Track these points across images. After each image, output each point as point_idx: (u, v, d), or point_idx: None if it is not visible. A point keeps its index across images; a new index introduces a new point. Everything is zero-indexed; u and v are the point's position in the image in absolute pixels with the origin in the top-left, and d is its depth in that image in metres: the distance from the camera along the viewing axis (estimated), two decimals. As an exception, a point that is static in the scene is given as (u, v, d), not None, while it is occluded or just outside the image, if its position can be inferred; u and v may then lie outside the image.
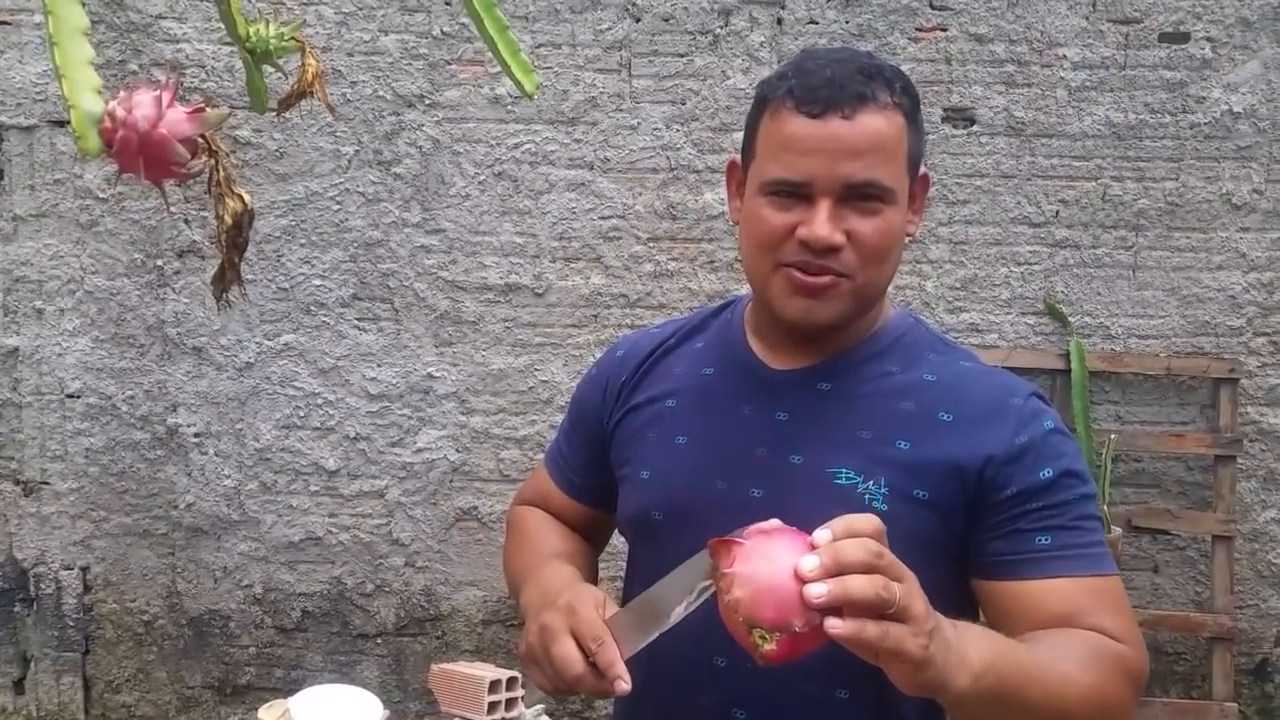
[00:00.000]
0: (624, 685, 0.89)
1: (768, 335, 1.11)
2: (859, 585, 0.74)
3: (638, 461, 1.14)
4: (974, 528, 1.01)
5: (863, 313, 1.06)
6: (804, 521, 0.86)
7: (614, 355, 1.23)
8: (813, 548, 0.77)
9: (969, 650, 0.83)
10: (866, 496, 1.00)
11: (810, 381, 1.07)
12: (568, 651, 0.92)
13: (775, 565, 0.75)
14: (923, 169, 1.06)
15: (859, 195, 0.99)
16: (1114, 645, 0.96)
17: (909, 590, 0.77)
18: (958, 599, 1.03)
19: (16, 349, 2.86)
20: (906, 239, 1.06)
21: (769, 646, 0.75)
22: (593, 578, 1.23)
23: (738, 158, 1.11)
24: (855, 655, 0.79)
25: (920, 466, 1.00)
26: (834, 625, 0.74)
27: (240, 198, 0.77)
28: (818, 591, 0.74)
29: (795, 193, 0.99)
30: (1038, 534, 0.99)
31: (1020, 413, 1.02)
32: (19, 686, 2.97)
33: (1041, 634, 0.96)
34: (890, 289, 1.13)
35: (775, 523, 0.81)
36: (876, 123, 0.98)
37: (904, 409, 1.04)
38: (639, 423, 1.15)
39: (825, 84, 0.98)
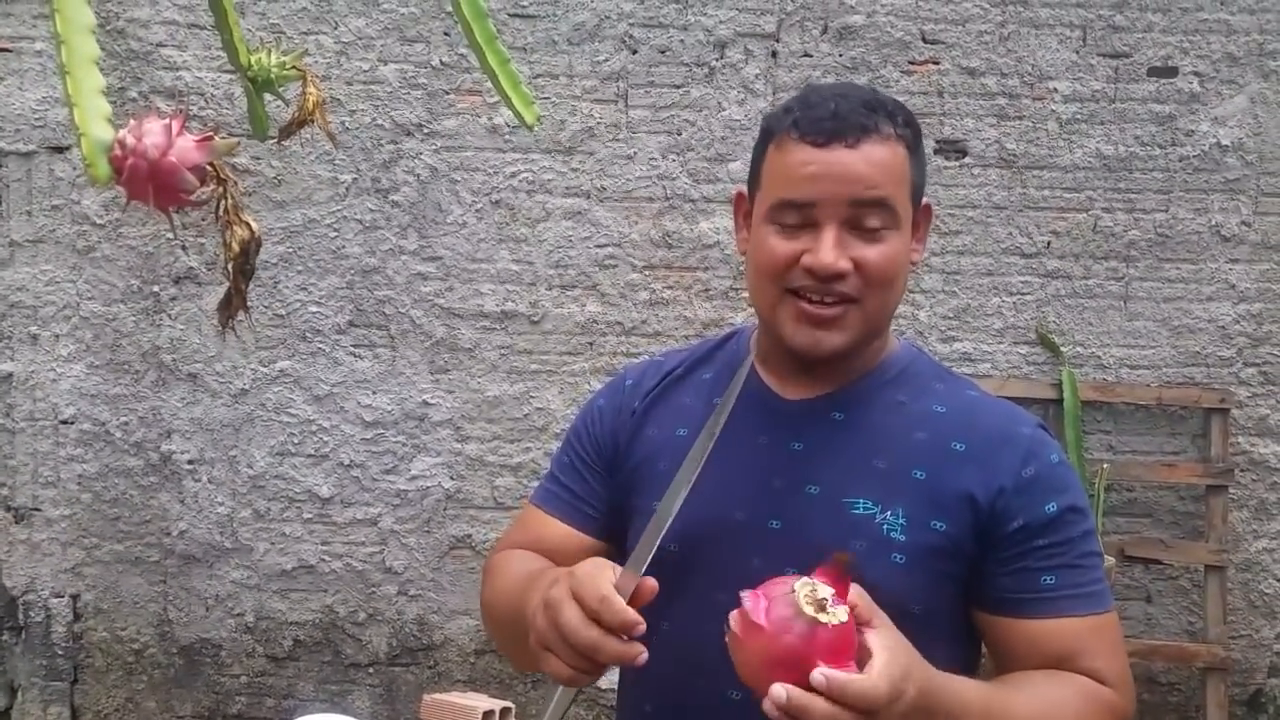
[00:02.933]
0: (639, 627, 0.86)
1: (777, 365, 1.11)
2: None
3: (649, 493, 1.09)
4: (983, 560, 1.02)
5: (870, 340, 1.07)
6: (823, 551, 0.87)
7: (622, 384, 1.21)
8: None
9: None
10: (885, 527, 1.00)
11: (824, 411, 1.07)
12: (573, 615, 0.86)
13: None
14: (925, 200, 1.09)
15: (864, 219, 1.00)
16: (1104, 693, 0.99)
17: None
18: (964, 627, 1.05)
19: (10, 374, 2.85)
20: (911, 267, 1.07)
21: None
22: None
23: (744, 188, 1.13)
24: None
25: (937, 497, 1.01)
26: None
27: (248, 225, 0.78)
28: None
29: (801, 220, 1.01)
30: (1044, 574, 1.01)
31: (1029, 444, 1.03)
32: (5, 716, 2.94)
33: (1035, 679, 0.99)
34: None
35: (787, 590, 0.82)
36: (880, 151, 1.00)
37: (918, 439, 1.04)
38: (648, 452, 1.13)
39: (830, 116, 1.00)
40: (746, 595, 0.83)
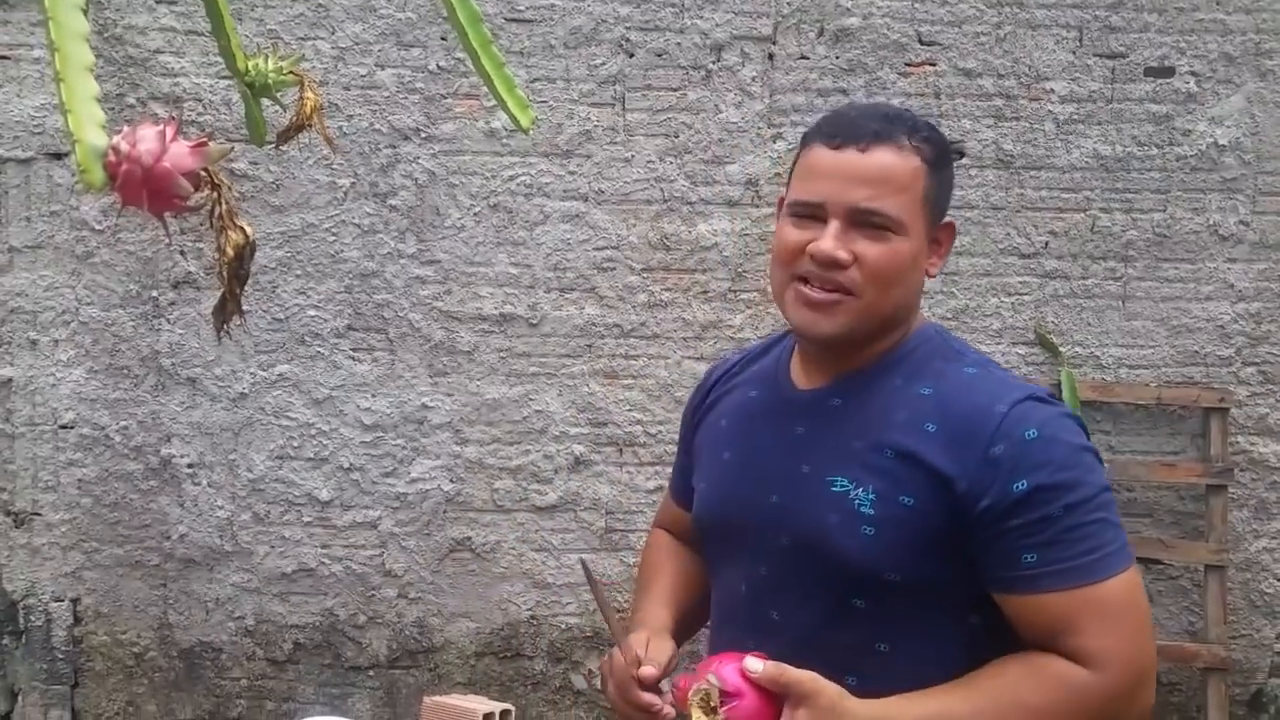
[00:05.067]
0: (653, 707, 1.12)
1: (801, 356, 1.23)
2: None
3: (699, 474, 1.31)
4: (966, 541, 1.07)
5: (876, 333, 1.14)
6: (811, 523, 1.10)
7: (701, 383, 1.39)
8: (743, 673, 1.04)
9: None
10: (856, 502, 1.09)
11: (825, 399, 1.17)
12: (611, 692, 1.18)
13: None
14: (949, 218, 1.16)
15: (866, 219, 1.09)
16: (1072, 679, 1.02)
17: None
18: (968, 596, 1.09)
19: (10, 379, 2.86)
20: (926, 277, 1.15)
21: None
22: (698, 591, 1.37)
23: (785, 192, 1.23)
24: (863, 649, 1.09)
25: (904, 474, 1.08)
26: None
27: (242, 230, 0.78)
28: None
29: (812, 214, 1.11)
30: (1024, 552, 1.04)
31: (1001, 422, 1.05)
32: (7, 720, 2.94)
33: (997, 672, 1.05)
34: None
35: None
36: (888, 158, 1.09)
37: (897, 419, 1.11)
38: (703, 440, 1.31)
39: (848, 123, 1.11)
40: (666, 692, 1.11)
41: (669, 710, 1.09)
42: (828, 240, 1.08)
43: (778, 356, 1.28)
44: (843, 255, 1.08)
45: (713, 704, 0.99)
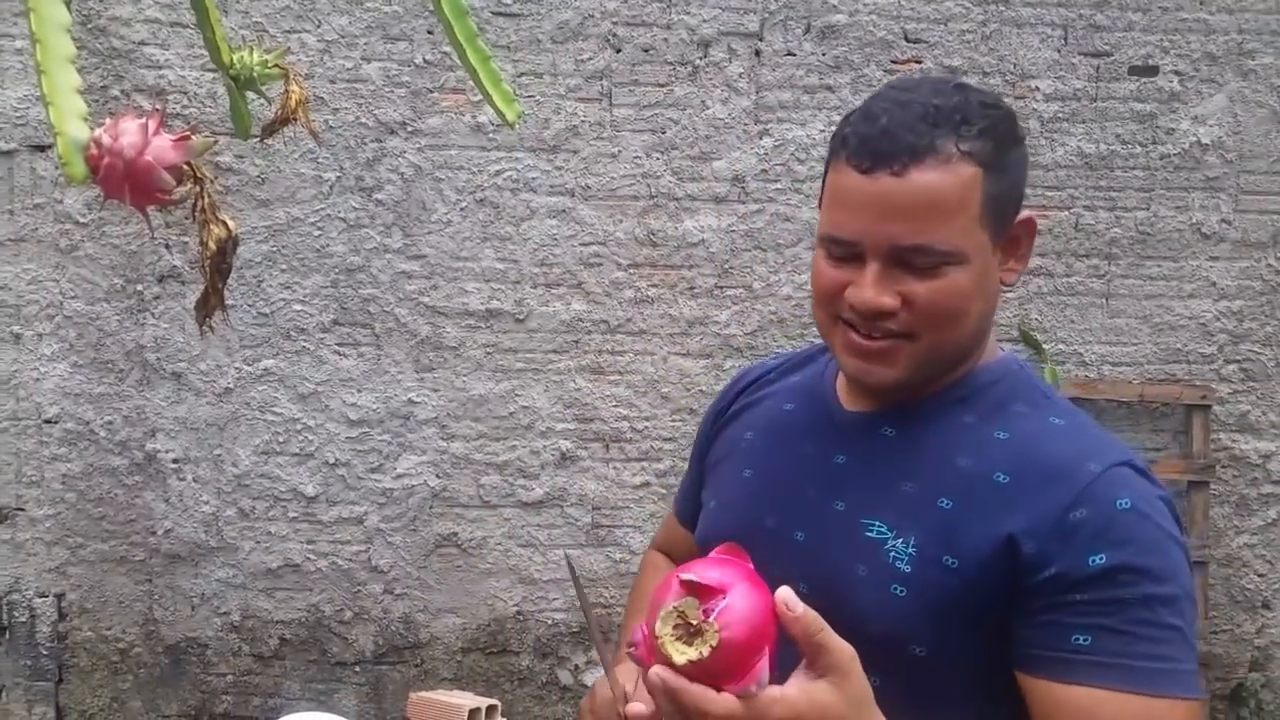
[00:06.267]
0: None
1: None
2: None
3: (711, 490, 1.13)
4: (1012, 610, 0.87)
5: (939, 370, 0.97)
6: (835, 571, 0.89)
7: (728, 387, 1.21)
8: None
9: None
10: (891, 554, 0.91)
11: (875, 425, 0.99)
12: None
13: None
14: (1026, 213, 0.97)
15: (911, 258, 0.90)
16: None
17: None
18: (998, 681, 0.90)
19: (-7, 374, 2.84)
20: (1003, 286, 0.97)
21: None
22: None
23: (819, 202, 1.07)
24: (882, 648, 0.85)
25: (956, 531, 0.89)
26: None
27: (224, 224, 0.78)
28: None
29: (847, 254, 0.93)
30: (1076, 631, 0.84)
31: (1091, 482, 0.87)
32: (-10, 716, 2.93)
33: None
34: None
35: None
36: (931, 179, 0.88)
37: (959, 465, 0.93)
38: (721, 452, 1.14)
39: (879, 134, 0.89)
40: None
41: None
42: (867, 289, 0.90)
43: (823, 368, 1.10)
44: (887, 302, 0.90)
45: (693, 622, 0.73)
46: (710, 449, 1.17)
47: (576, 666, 2.93)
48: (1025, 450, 0.91)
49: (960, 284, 0.90)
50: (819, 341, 1.13)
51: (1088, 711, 0.82)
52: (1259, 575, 2.95)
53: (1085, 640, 0.83)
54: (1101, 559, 0.83)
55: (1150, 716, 0.81)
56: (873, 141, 0.89)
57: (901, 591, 0.90)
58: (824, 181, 0.99)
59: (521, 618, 2.93)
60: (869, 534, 0.93)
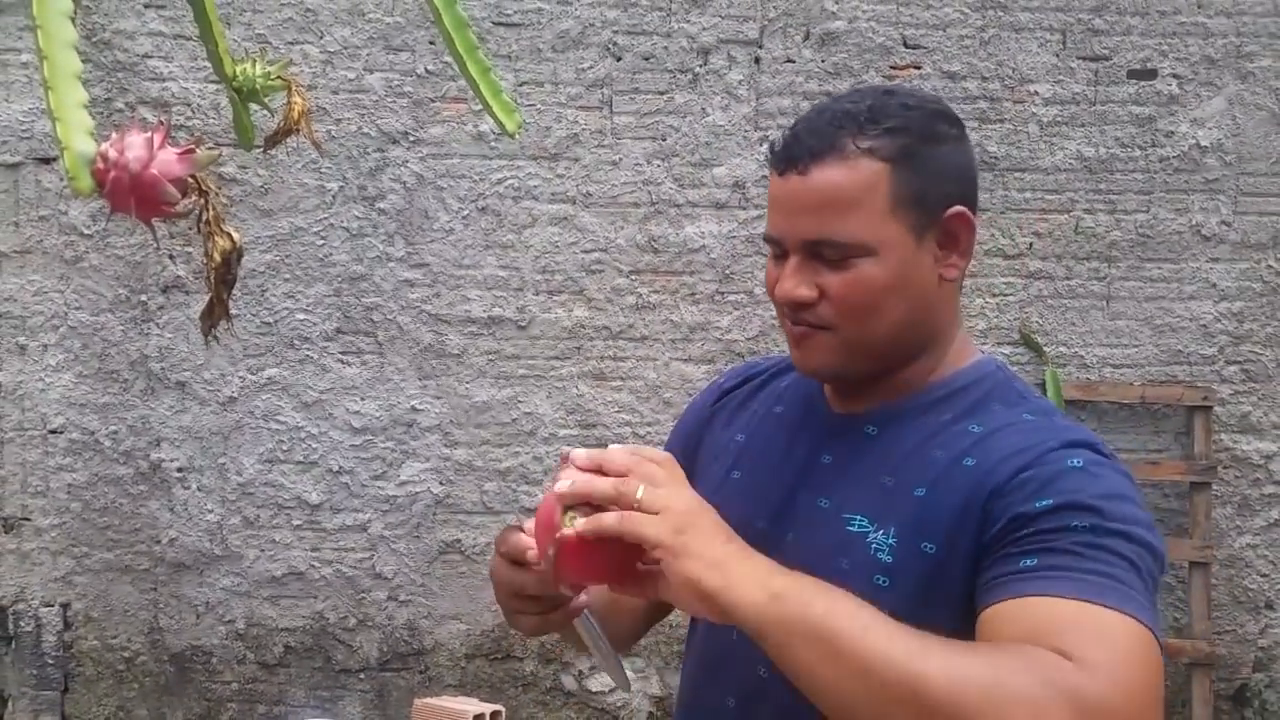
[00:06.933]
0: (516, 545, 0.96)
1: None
2: (597, 483, 0.83)
3: (700, 493, 1.11)
4: (975, 573, 0.89)
5: (887, 360, 1.00)
6: (820, 566, 0.86)
7: (715, 384, 1.22)
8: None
9: (775, 572, 0.81)
10: (873, 546, 0.94)
11: (859, 426, 1.03)
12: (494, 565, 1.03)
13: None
14: (959, 208, 0.97)
15: (821, 251, 0.96)
16: (1063, 664, 0.75)
17: (667, 493, 0.83)
18: None
19: (-1, 385, 2.86)
20: (945, 282, 0.98)
21: (569, 531, 0.83)
22: (644, 611, 1.21)
23: None
24: None
25: (929, 517, 0.92)
26: (578, 524, 0.82)
27: (229, 236, 0.79)
28: (560, 487, 0.85)
29: (776, 250, 1.00)
30: (1023, 557, 0.85)
31: (1046, 453, 0.90)
32: (-3, 726, 2.94)
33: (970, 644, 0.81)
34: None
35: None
36: (830, 175, 0.94)
37: (934, 456, 0.96)
38: (710, 454, 1.15)
39: (792, 140, 0.97)
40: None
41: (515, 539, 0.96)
42: (786, 280, 0.97)
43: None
44: (802, 293, 0.96)
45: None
46: (697, 449, 1.17)
47: (580, 672, 2.93)
48: (994, 438, 0.94)
49: (871, 275, 0.95)
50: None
51: (1027, 616, 0.80)
52: (1261, 576, 2.95)
53: (1032, 561, 0.83)
54: (1049, 502, 0.85)
55: (1103, 621, 0.79)
56: (786, 147, 0.97)
57: (885, 582, 0.92)
58: None
59: (526, 624, 2.93)
60: (851, 528, 0.96)
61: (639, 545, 0.82)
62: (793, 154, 0.96)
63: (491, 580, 1.03)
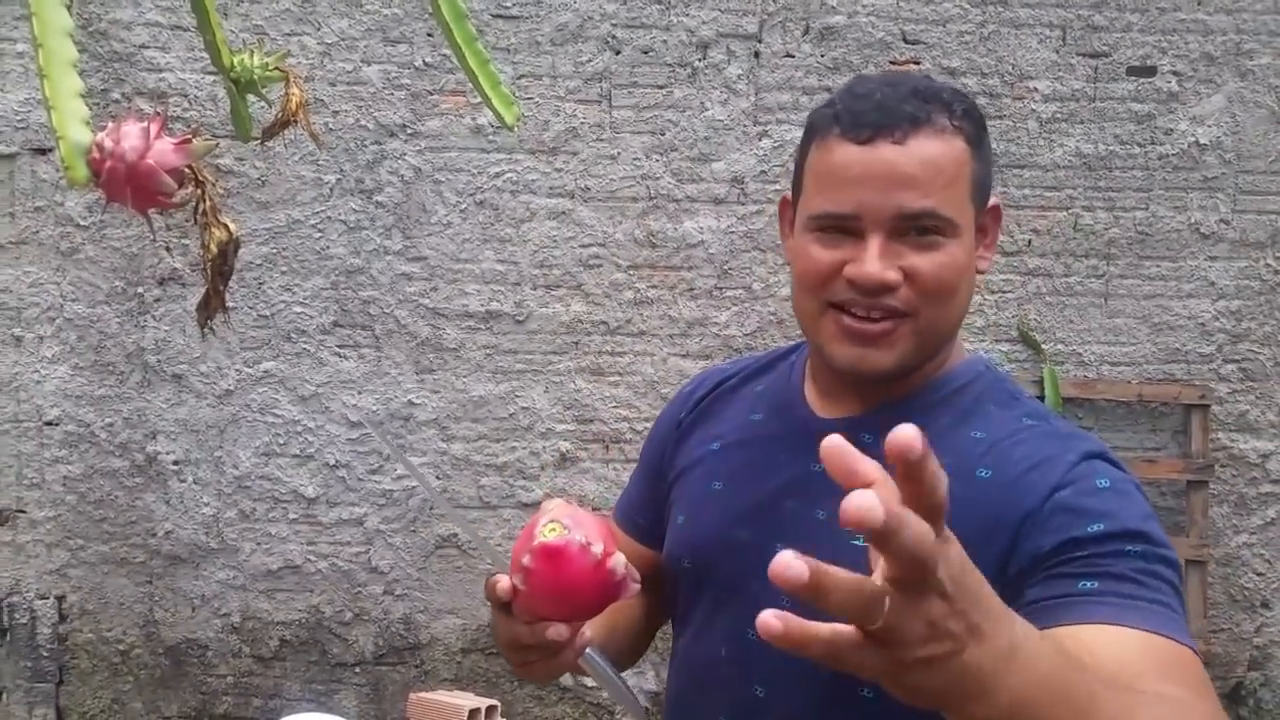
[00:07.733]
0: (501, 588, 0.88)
1: (823, 381, 1.02)
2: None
3: (678, 505, 1.09)
4: (1007, 592, 0.79)
5: (926, 358, 0.95)
6: None
7: (683, 393, 1.17)
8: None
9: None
10: None
11: (854, 432, 0.92)
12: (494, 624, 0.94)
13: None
14: (994, 199, 0.97)
15: (915, 228, 0.89)
16: (1178, 695, 0.74)
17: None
18: None
19: (-6, 376, 2.85)
20: (977, 275, 0.95)
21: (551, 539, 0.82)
22: (641, 627, 1.19)
23: (789, 194, 1.02)
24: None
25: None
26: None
27: (225, 227, 0.79)
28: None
29: (844, 228, 0.90)
30: (1081, 579, 0.82)
31: (1070, 469, 0.88)
32: (-9, 718, 2.93)
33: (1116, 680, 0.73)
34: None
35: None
36: (932, 147, 0.88)
37: (942, 464, 0.89)
38: (687, 463, 1.09)
39: (874, 108, 0.89)
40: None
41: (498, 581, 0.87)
42: (871, 261, 0.88)
43: (787, 375, 1.07)
44: (892, 276, 0.88)
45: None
46: (671, 459, 1.12)
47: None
48: (1003, 448, 0.91)
49: (957, 257, 0.90)
50: (776, 347, 1.14)
51: (1114, 647, 0.77)
52: (1258, 574, 2.95)
53: (1091, 585, 0.81)
54: (1100, 526, 0.84)
55: (1168, 654, 0.78)
56: (871, 114, 0.89)
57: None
58: (800, 168, 0.97)
59: (522, 619, 2.93)
60: (855, 542, 0.89)
61: (604, 558, 0.81)
62: (884, 122, 0.88)
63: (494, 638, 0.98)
